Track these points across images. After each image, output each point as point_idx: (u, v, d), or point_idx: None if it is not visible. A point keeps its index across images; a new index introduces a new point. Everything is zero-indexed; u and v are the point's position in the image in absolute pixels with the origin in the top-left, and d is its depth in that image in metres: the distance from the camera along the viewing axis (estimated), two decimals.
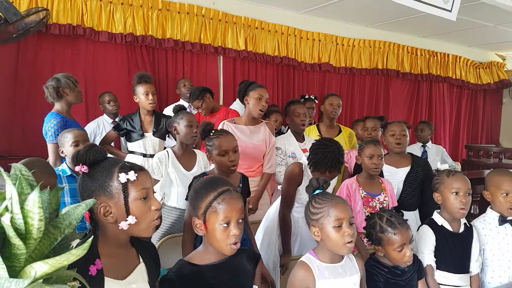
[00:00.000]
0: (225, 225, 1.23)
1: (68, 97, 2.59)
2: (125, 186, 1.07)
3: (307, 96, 4.25)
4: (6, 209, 0.73)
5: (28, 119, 3.36)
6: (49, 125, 2.49)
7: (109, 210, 1.07)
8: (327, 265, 1.42)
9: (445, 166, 1.97)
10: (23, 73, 3.39)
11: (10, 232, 0.70)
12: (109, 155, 1.16)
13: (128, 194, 1.07)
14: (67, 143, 2.17)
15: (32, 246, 0.76)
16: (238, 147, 1.94)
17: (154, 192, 1.16)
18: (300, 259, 1.47)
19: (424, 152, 4.06)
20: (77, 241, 0.89)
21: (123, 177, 1.07)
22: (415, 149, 3.99)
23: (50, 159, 2.48)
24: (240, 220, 1.27)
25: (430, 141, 4.16)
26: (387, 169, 2.46)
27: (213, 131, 1.94)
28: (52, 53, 3.54)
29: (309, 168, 2.05)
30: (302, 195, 2.09)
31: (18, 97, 3.39)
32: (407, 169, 2.48)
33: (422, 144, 4.11)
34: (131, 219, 1.06)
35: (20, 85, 3.39)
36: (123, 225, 1.06)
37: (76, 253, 0.73)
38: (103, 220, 1.07)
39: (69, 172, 2.15)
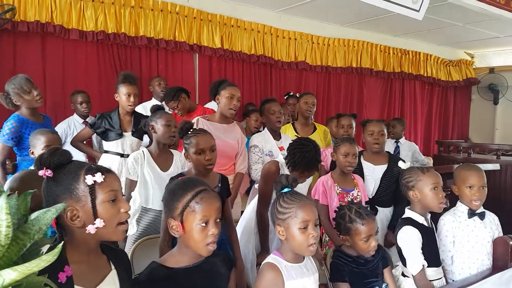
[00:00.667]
0: (204, 224, 1.22)
1: (22, 105, 2.56)
2: (92, 189, 1.04)
3: (291, 93, 4.29)
4: None
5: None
6: (4, 125, 2.53)
7: (76, 214, 1.04)
8: (293, 265, 1.42)
9: (407, 165, 2.01)
10: None
11: None
12: (75, 158, 1.13)
13: (96, 197, 1.05)
14: (39, 146, 2.11)
15: (0, 253, 0.73)
16: (215, 147, 1.93)
17: (123, 195, 1.14)
18: (266, 260, 1.46)
19: (397, 147, 4.14)
20: (47, 246, 0.86)
21: (89, 179, 1.04)
22: (388, 145, 4.06)
23: None
24: (218, 220, 1.26)
25: (403, 137, 4.24)
26: (366, 165, 2.53)
27: (191, 130, 1.93)
28: (20, 51, 3.41)
29: (288, 168, 2.06)
30: None
31: None
32: (384, 166, 2.54)
33: (395, 140, 4.19)
34: (99, 222, 1.04)
35: None
36: (91, 228, 1.03)
37: (46, 259, 0.71)
38: (71, 225, 1.04)
39: None
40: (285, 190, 1.49)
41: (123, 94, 2.78)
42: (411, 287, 1.78)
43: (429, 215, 1.92)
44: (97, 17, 3.66)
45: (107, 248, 1.19)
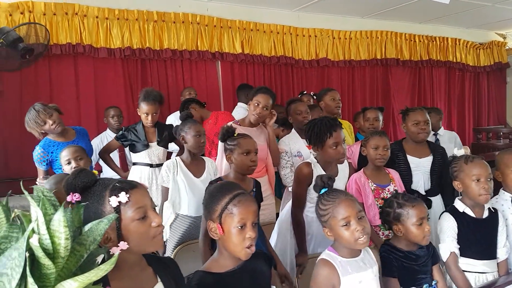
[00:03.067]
0: (241, 227, 1.24)
1: (39, 133, 2.63)
2: (117, 210, 1.01)
3: (305, 92, 4.25)
4: (33, 230, 0.75)
5: (36, 142, 3.41)
6: (34, 152, 2.64)
7: (108, 236, 1.01)
8: (348, 260, 1.43)
9: (461, 152, 1.93)
10: (27, 96, 3.44)
11: (39, 253, 0.72)
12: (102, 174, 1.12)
13: (121, 219, 1.02)
14: (63, 163, 2.25)
15: (60, 264, 0.78)
16: (258, 151, 2.00)
17: (155, 206, 1.11)
18: (320, 256, 1.47)
19: (437, 140, 3.83)
20: (101, 256, 0.91)
21: (114, 201, 1.01)
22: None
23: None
24: (255, 224, 1.28)
25: (441, 128, 3.94)
26: (411, 160, 2.43)
27: (236, 133, 2.03)
28: (55, 73, 3.60)
29: (315, 147, 2.05)
30: (313, 195, 2.10)
31: (24, 120, 3.43)
32: (430, 158, 2.44)
33: (433, 132, 3.84)
34: (123, 245, 0.99)
35: (25, 107, 3.43)
36: (115, 250, 0.98)
37: (104, 268, 0.75)
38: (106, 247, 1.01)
39: None
40: (323, 190, 1.51)
41: (142, 112, 2.88)
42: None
43: (487, 206, 1.83)
44: (123, 34, 3.80)
45: (154, 259, 1.17)
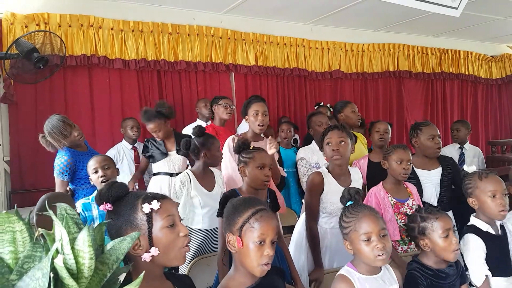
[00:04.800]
0: (260, 243, 1.22)
1: (64, 143, 2.59)
2: (149, 217, 1.07)
3: (321, 104, 4.23)
4: (57, 250, 0.73)
5: (51, 153, 3.43)
6: (57, 161, 2.59)
7: (138, 243, 1.06)
8: (367, 277, 1.39)
9: (472, 168, 1.91)
10: (41, 107, 3.47)
11: (64, 273, 0.70)
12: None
13: (153, 225, 1.07)
14: (90, 172, 2.25)
15: (83, 285, 0.76)
16: (272, 166, 1.98)
17: (181, 219, 1.16)
18: (339, 272, 1.45)
19: (462, 154, 3.79)
20: (123, 275, 0.88)
21: (146, 208, 1.07)
22: (452, 151, 3.75)
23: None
24: (273, 242, 1.26)
25: (467, 142, 3.86)
26: (420, 173, 2.41)
27: (252, 146, 1.99)
28: (70, 84, 3.63)
29: (324, 148, 2.08)
30: (326, 204, 2.07)
31: (39, 131, 3.46)
32: (439, 170, 2.43)
33: (459, 145, 3.83)
34: (154, 251, 1.06)
35: (40, 119, 3.47)
36: (146, 256, 1.05)
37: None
38: (134, 254, 1.07)
39: None
40: (348, 203, 1.50)
41: (149, 129, 2.98)
42: None
43: (499, 222, 1.80)
44: (138, 45, 3.83)
45: (171, 275, 1.21)
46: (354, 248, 1.41)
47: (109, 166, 2.25)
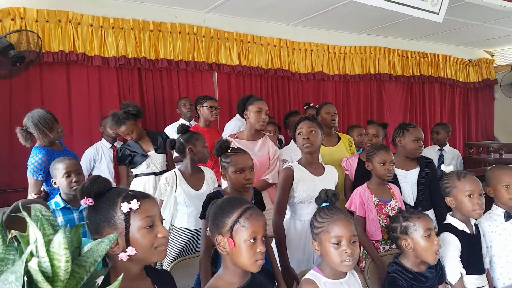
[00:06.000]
0: (252, 241, 1.23)
1: (44, 140, 2.49)
2: (127, 216, 1.06)
3: (311, 105, 4.25)
4: (31, 253, 0.70)
5: (27, 151, 3.31)
6: (31, 160, 2.46)
7: (115, 242, 1.05)
8: (333, 282, 1.41)
9: (450, 168, 1.96)
10: (17, 104, 3.35)
11: (38, 277, 0.67)
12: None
13: (130, 224, 1.06)
14: (59, 174, 2.09)
15: None
16: (254, 166, 1.93)
17: (163, 220, 1.15)
18: (305, 276, 1.46)
19: (441, 156, 3.87)
20: (101, 277, 0.85)
21: (125, 207, 1.06)
22: (432, 153, 3.83)
23: (29, 192, 2.46)
24: (263, 238, 1.27)
25: (447, 144, 3.95)
26: (398, 172, 2.46)
27: (230, 148, 1.93)
28: (46, 81, 3.52)
29: (296, 139, 2.12)
30: (297, 193, 2.03)
31: (14, 129, 3.34)
32: (417, 170, 2.48)
33: (439, 147, 3.92)
34: (131, 250, 1.04)
35: (15, 117, 3.35)
36: (123, 256, 1.04)
37: None
38: (111, 253, 1.05)
39: (62, 205, 2.06)
40: (324, 204, 1.50)
41: (120, 133, 2.95)
42: None
43: (473, 221, 1.84)
44: (118, 43, 3.74)
45: (151, 270, 1.20)
46: (322, 250, 1.41)
47: (81, 171, 2.16)
